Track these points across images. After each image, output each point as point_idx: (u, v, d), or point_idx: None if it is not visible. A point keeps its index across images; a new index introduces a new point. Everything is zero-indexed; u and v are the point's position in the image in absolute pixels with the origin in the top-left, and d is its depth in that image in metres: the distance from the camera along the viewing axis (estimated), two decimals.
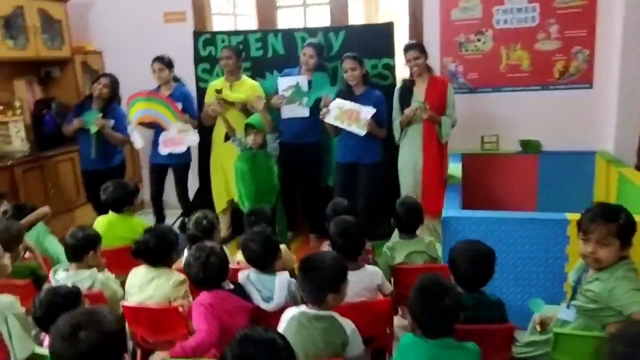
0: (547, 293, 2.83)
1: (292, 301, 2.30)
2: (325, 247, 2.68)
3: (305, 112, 4.12)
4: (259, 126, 3.59)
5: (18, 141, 4.54)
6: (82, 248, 2.59)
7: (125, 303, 2.41)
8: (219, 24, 5.30)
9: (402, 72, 4.24)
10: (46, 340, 1.99)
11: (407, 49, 3.80)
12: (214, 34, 4.60)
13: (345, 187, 4.02)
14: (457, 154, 4.56)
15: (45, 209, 3.26)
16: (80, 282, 2.49)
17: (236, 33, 4.55)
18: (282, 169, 4.16)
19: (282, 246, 2.75)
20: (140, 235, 2.57)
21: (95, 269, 2.57)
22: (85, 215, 4.57)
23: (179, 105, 4.26)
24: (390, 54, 4.23)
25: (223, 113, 4.02)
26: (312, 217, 4.38)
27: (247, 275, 2.38)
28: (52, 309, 1.91)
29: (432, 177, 3.83)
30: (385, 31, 4.21)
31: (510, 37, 4.49)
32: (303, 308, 1.96)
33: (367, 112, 3.70)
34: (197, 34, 4.59)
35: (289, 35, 4.37)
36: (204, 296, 2.15)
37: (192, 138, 4.23)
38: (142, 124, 4.24)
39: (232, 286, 2.25)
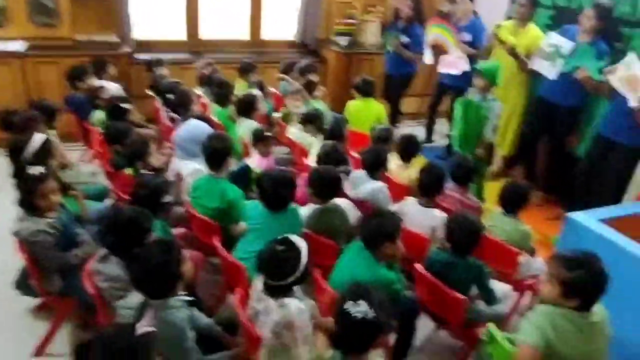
0: None
1: (374, 203, 3.13)
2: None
3: (551, 75, 4.05)
4: (486, 75, 3.89)
5: (369, 37, 6.09)
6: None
7: None
8: None
9: None
10: None
11: None
12: None
13: (595, 162, 4.00)
14: None
15: None
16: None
17: None
18: (529, 121, 4.45)
19: None
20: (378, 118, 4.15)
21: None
22: None
23: (469, 36, 4.87)
24: None
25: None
26: (548, 178, 4.51)
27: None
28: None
29: None
30: None
31: None
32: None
33: None
34: None
35: None
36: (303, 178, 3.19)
37: (464, 65, 4.82)
38: (433, 47, 5.03)
39: None
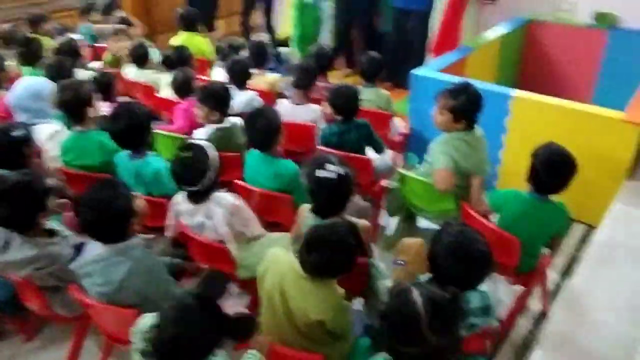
0: None
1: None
2: None
3: None
4: None
5: None
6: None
7: None
8: None
9: None
10: None
11: None
12: None
13: (398, 32, 4.53)
14: (521, 18, 4.49)
15: None
16: None
17: None
18: (338, 9, 4.74)
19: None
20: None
21: None
22: None
23: None
24: None
25: None
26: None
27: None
28: None
29: (443, 25, 3.89)
30: None
31: None
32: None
33: None
34: None
35: None
36: (185, 103, 3.17)
37: None
38: None
39: None
